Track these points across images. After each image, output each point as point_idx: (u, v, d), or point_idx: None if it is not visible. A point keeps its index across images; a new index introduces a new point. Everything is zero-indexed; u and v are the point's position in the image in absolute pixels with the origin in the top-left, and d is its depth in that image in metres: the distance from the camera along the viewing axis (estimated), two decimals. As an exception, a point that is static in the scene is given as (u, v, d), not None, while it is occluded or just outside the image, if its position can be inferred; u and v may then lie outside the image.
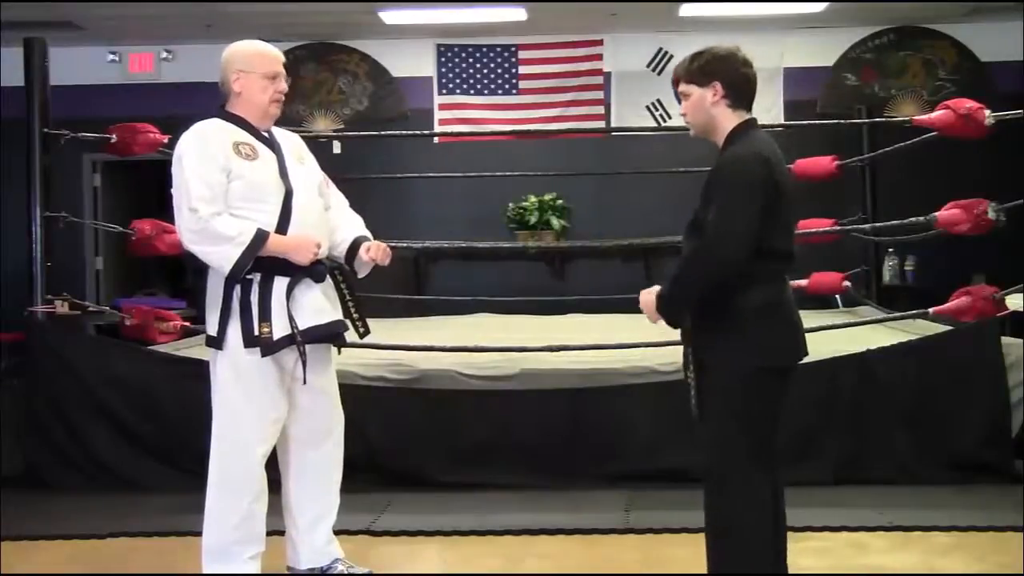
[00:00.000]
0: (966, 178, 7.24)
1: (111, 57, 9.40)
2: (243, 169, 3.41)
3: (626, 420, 5.06)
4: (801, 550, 3.99)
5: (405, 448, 5.04)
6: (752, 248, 2.95)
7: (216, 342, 3.43)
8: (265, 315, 3.35)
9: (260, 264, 3.38)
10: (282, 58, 3.59)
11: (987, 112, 4.99)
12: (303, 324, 3.39)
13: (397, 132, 8.72)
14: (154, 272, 10.21)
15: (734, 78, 3.09)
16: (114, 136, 5.38)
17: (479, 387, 5.16)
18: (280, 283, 3.39)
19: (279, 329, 3.36)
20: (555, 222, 9.10)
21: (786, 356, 3.09)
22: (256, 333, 3.35)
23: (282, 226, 3.41)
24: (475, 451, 5.02)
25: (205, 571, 3.46)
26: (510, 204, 9.09)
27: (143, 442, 5.12)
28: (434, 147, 9.05)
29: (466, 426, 5.06)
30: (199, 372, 5.16)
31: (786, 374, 3.09)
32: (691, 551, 3.86)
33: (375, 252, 3.60)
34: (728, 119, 3.10)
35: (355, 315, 3.65)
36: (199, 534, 3.82)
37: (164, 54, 9.43)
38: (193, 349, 5.54)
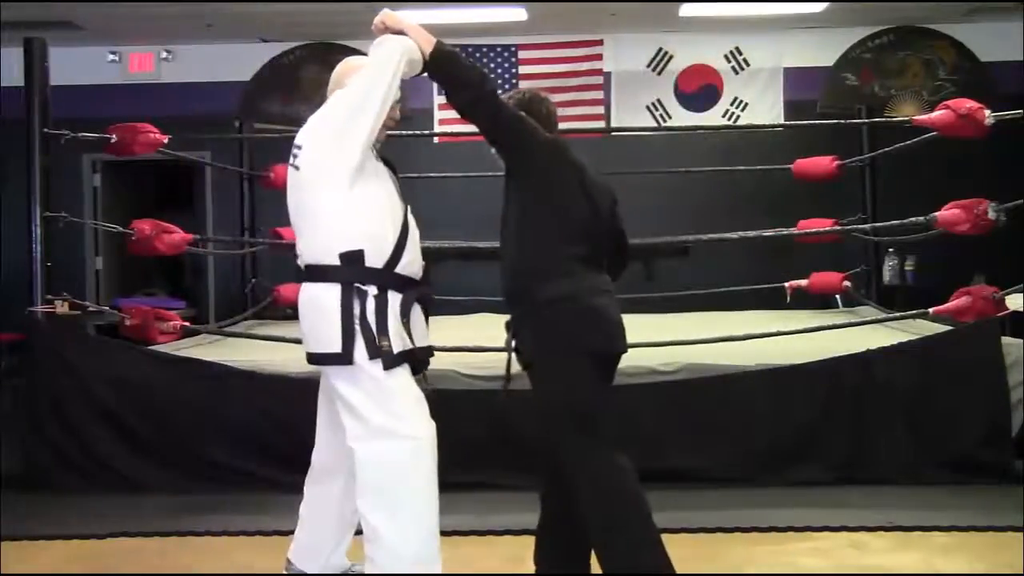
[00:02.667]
0: (966, 178, 7.23)
1: (111, 57, 9.40)
2: (378, 165, 3.31)
3: (626, 420, 5.05)
4: (801, 550, 4.00)
5: (405, 448, 5.03)
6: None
7: (343, 358, 3.19)
8: (383, 328, 3.19)
9: (378, 276, 3.21)
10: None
11: (987, 112, 4.99)
12: (418, 343, 3.32)
13: (397, 132, 8.71)
14: (154, 272, 10.21)
15: None
16: (114, 136, 5.38)
17: (479, 387, 5.16)
18: (394, 299, 3.24)
19: (397, 344, 3.22)
20: (555, 222, 9.08)
21: None
22: (377, 344, 3.18)
23: (401, 241, 3.28)
24: (475, 451, 5.01)
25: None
26: (510, 204, 9.08)
27: (143, 442, 5.12)
28: (434, 147, 9.05)
29: (466, 426, 5.06)
30: (199, 372, 5.21)
31: None
32: (691, 551, 3.86)
33: None
34: None
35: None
36: (199, 534, 3.86)
37: (164, 54, 9.43)
38: (193, 349, 5.55)
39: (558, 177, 3.22)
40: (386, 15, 3.29)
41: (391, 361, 3.18)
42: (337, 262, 3.18)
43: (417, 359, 3.32)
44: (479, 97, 3.15)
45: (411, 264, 3.32)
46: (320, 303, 3.20)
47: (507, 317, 3.35)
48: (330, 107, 3.27)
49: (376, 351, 3.16)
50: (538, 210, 3.21)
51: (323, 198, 3.19)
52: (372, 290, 3.19)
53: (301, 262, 3.30)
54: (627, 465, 3.15)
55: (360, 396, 3.19)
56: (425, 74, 3.28)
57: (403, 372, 3.24)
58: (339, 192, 3.17)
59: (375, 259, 3.20)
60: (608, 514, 3.11)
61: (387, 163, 3.42)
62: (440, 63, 3.19)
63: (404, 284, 3.27)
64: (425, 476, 3.20)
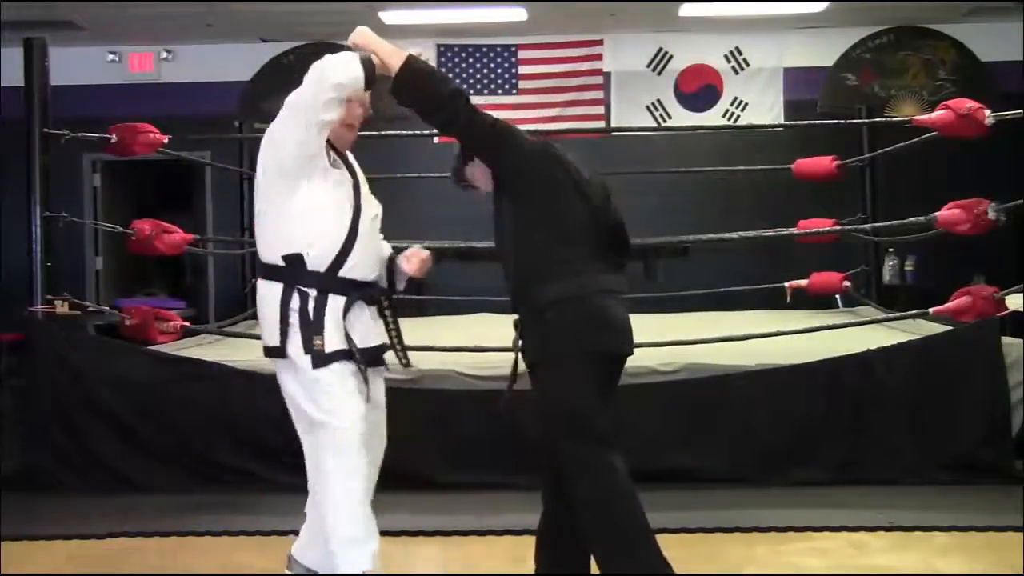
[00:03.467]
0: (966, 178, 7.24)
1: (111, 57, 9.40)
2: (328, 170, 3.37)
3: (626, 420, 5.05)
4: (801, 550, 4.00)
5: (405, 448, 5.01)
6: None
7: (277, 351, 3.34)
8: (319, 328, 3.30)
9: (318, 279, 3.32)
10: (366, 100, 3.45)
11: (987, 112, 4.99)
12: (358, 343, 3.35)
13: (397, 132, 8.72)
14: (154, 272, 10.21)
15: None
16: (114, 136, 5.38)
17: (479, 387, 5.16)
18: (335, 301, 3.33)
19: (332, 343, 3.31)
20: (555, 222, 9.09)
21: None
22: (310, 342, 3.29)
23: (349, 241, 3.35)
24: (475, 451, 5.02)
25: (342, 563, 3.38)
26: (510, 204, 9.08)
27: (143, 442, 5.12)
28: (434, 147, 9.03)
29: (466, 426, 5.06)
30: (199, 372, 5.21)
31: None
32: (691, 551, 3.86)
33: (415, 263, 3.57)
34: None
35: (398, 345, 3.62)
36: (199, 534, 3.86)
37: (164, 54, 9.43)
38: (193, 349, 5.55)
39: (550, 179, 3.22)
40: (358, 33, 3.33)
41: (320, 360, 3.29)
42: (280, 263, 3.33)
43: (362, 357, 3.36)
44: (454, 114, 3.16)
45: (357, 267, 3.38)
46: (265, 300, 3.37)
47: (512, 317, 3.35)
48: (277, 116, 3.37)
49: (310, 348, 3.29)
50: (534, 214, 3.23)
51: (266, 203, 3.35)
52: (312, 292, 3.31)
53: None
54: (621, 466, 3.14)
55: (295, 388, 3.34)
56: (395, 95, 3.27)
57: (339, 368, 3.31)
58: (280, 198, 3.31)
59: (317, 263, 3.31)
60: (604, 516, 3.11)
61: (353, 165, 3.46)
62: (407, 81, 3.17)
63: (349, 287, 3.35)
64: (347, 467, 3.33)
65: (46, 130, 5.36)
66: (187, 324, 5.53)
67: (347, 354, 3.32)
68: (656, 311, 7.27)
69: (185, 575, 3.73)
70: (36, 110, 5.38)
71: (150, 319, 5.33)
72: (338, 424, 3.31)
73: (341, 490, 3.33)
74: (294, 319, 3.30)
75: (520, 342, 3.27)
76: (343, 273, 3.34)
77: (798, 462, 4.98)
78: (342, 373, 3.34)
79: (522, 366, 3.31)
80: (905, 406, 4.99)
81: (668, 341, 5.21)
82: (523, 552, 3.92)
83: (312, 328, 3.29)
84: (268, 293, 3.35)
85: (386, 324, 3.55)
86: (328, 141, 3.37)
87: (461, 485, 4.90)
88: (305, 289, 3.31)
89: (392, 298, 3.57)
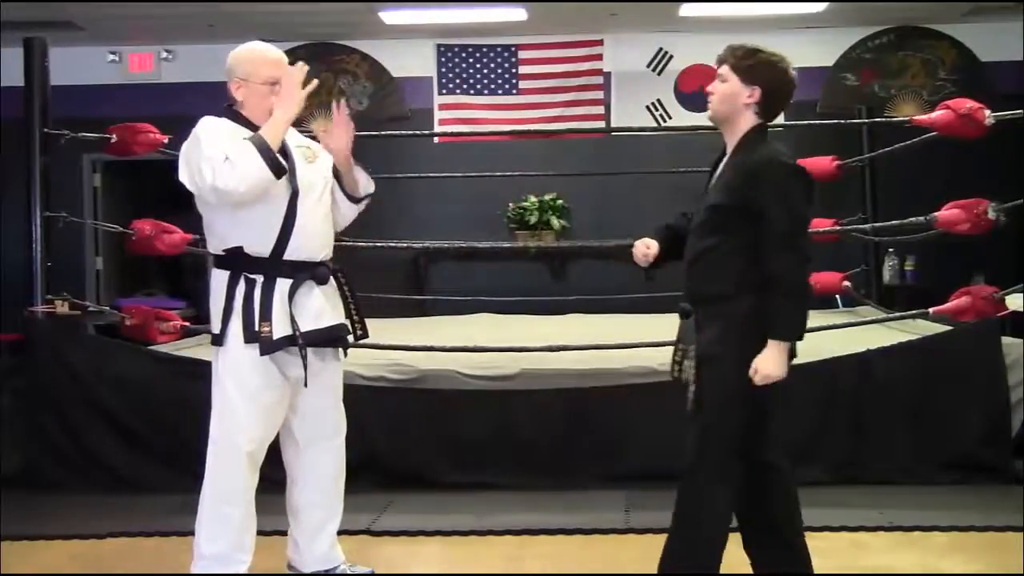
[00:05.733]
0: (966, 178, 7.23)
1: (111, 57, 9.39)
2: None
3: (626, 420, 5.06)
4: (801, 550, 3.99)
5: (405, 448, 5.04)
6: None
7: (218, 339, 3.42)
8: (266, 314, 3.34)
9: (263, 265, 3.37)
10: (283, 61, 3.51)
11: (987, 112, 4.99)
12: (304, 327, 3.39)
13: (397, 132, 8.72)
14: (154, 272, 10.21)
15: (776, 90, 3.13)
16: (114, 136, 5.38)
17: (479, 387, 5.16)
18: (283, 284, 3.38)
19: (280, 329, 3.35)
20: (555, 222, 9.10)
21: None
22: (256, 330, 3.34)
23: (286, 227, 3.39)
24: (475, 451, 5.02)
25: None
26: (510, 204, 9.10)
27: (142, 442, 5.12)
28: (434, 147, 9.05)
29: (466, 426, 5.06)
30: (199, 372, 5.18)
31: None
32: (691, 551, 3.86)
33: (337, 135, 3.53)
34: (748, 122, 3.14)
35: (355, 317, 3.64)
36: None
37: (164, 54, 9.43)
38: (193, 349, 5.55)
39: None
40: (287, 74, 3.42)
41: (268, 346, 3.34)
42: (223, 253, 3.42)
43: (314, 339, 3.41)
44: None
45: (302, 249, 3.42)
46: (213, 288, 3.44)
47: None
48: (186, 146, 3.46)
49: (253, 336, 3.34)
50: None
51: (199, 204, 3.45)
52: (259, 278, 3.37)
53: None
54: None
55: (219, 374, 3.43)
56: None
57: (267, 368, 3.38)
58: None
59: (259, 249, 3.37)
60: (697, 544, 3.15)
61: (287, 147, 3.45)
62: None
63: (296, 269, 3.39)
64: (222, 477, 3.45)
65: (46, 130, 5.37)
66: (187, 324, 5.53)
67: (292, 340, 3.35)
68: (656, 311, 7.28)
69: (185, 575, 3.73)
70: (36, 110, 5.38)
71: (150, 319, 5.33)
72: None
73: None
74: (237, 306, 3.36)
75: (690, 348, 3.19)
76: (288, 256, 3.38)
77: (798, 462, 4.95)
78: (268, 375, 3.38)
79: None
80: (905, 406, 4.99)
81: (668, 341, 5.18)
82: (523, 552, 3.94)
83: (257, 314, 3.34)
84: (216, 281, 3.43)
85: (343, 298, 3.57)
86: (255, 125, 3.41)
87: (461, 485, 4.90)
88: (252, 276, 3.37)
89: (346, 272, 3.59)
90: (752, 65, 3.11)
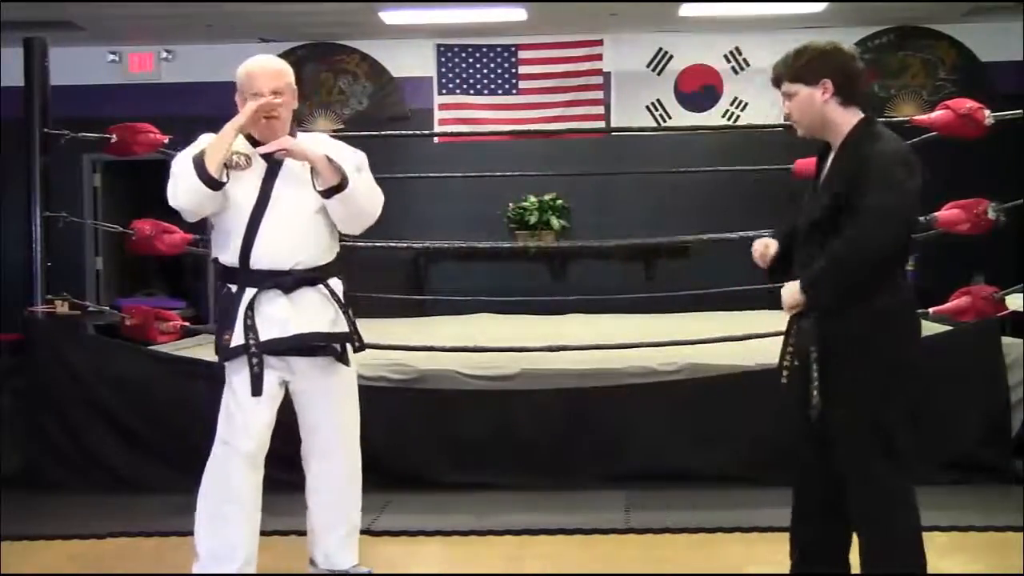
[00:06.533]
0: (966, 178, 7.22)
1: (111, 57, 9.39)
2: (238, 176, 3.47)
3: (626, 420, 5.06)
4: (801, 550, 3.98)
5: (405, 448, 5.04)
6: (903, 243, 2.94)
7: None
8: (229, 323, 3.41)
9: (233, 275, 3.45)
10: (270, 74, 3.58)
11: (987, 112, 5.00)
12: (266, 335, 3.38)
13: (397, 132, 8.71)
14: (154, 272, 10.21)
15: (843, 72, 3.00)
16: (114, 136, 5.37)
17: (479, 387, 5.16)
18: (249, 293, 3.42)
19: (239, 338, 3.39)
20: (555, 222, 9.10)
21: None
22: (221, 338, 3.43)
23: (249, 233, 3.41)
24: (475, 451, 5.02)
25: None
26: (510, 204, 9.10)
27: (142, 442, 5.12)
28: (434, 147, 9.05)
29: (466, 426, 5.06)
30: (199, 372, 5.19)
31: None
32: (691, 551, 3.86)
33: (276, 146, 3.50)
34: (842, 116, 3.01)
35: (351, 328, 3.60)
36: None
37: (164, 54, 9.42)
38: (193, 349, 5.55)
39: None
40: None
41: (225, 354, 3.41)
42: (214, 263, 3.56)
43: (274, 347, 3.41)
44: None
45: (264, 257, 3.43)
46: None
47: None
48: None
49: (218, 344, 3.44)
50: None
51: None
52: (233, 287, 3.44)
53: None
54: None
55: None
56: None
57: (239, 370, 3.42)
58: None
59: (229, 259, 3.45)
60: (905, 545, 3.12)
61: (270, 154, 3.50)
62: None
63: (261, 278, 3.42)
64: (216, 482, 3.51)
65: (46, 130, 5.36)
66: (187, 324, 5.53)
67: (244, 350, 3.39)
68: (656, 311, 7.29)
69: (185, 575, 3.73)
70: (36, 110, 5.37)
71: (150, 319, 5.33)
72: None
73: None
74: (218, 314, 3.50)
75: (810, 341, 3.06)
76: (253, 265, 3.41)
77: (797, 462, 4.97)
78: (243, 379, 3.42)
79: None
80: (905, 406, 4.99)
81: (668, 341, 5.21)
82: (523, 552, 3.94)
83: (224, 324, 3.42)
84: (216, 288, 3.60)
85: (340, 306, 3.54)
86: (251, 135, 3.52)
87: (461, 485, 4.90)
88: (228, 285, 3.46)
89: (339, 279, 3.57)
90: (807, 62, 3.00)
